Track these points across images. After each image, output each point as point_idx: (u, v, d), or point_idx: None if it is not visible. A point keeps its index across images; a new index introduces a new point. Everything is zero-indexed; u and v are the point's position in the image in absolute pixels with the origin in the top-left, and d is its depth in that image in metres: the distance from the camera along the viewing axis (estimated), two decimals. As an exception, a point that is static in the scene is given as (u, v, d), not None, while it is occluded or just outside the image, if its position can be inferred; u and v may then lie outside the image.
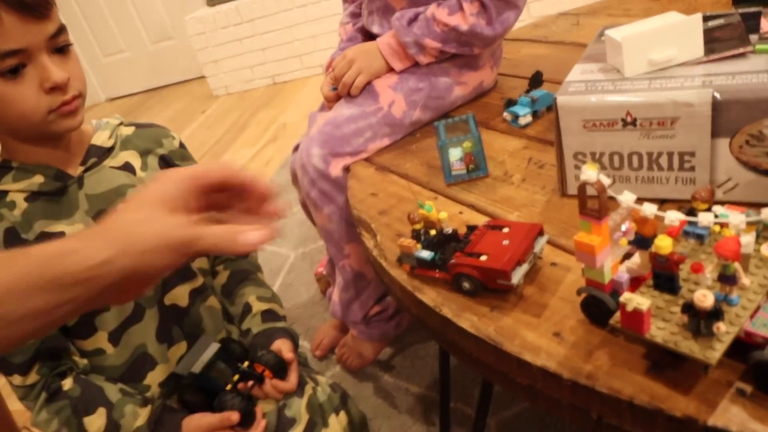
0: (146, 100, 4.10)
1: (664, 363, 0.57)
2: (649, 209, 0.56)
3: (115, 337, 1.01)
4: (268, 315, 1.15)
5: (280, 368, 1.05)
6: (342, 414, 1.11)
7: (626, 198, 0.57)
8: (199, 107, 3.62)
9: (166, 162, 1.07)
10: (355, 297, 1.31)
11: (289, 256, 1.95)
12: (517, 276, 0.68)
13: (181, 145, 1.12)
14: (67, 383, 0.98)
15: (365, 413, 1.25)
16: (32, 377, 0.95)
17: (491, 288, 0.70)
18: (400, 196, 0.99)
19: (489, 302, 0.70)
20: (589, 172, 0.55)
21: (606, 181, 0.56)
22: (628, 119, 0.74)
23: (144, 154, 1.06)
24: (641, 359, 0.59)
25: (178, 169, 0.55)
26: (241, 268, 1.21)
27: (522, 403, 1.23)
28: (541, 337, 0.64)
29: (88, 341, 1.01)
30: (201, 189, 0.52)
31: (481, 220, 0.86)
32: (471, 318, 0.69)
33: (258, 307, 1.16)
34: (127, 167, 1.02)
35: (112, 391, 1.00)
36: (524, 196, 0.89)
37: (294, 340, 1.14)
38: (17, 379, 0.95)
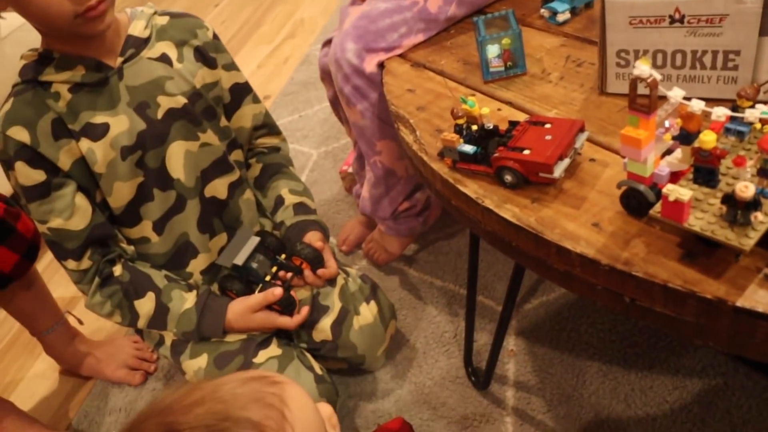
0: (156, -7, 3.97)
1: (698, 251, 0.62)
2: (698, 105, 0.58)
3: (159, 226, 1.07)
4: (300, 208, 1.19)
5: (317, 260, 1.10)
6: (372, 303, 1.18)
7: (675, 94, 0.59)
8: (211, 0, 3.51)
9: (201, 54, 1.07)
10: (385, 193, 1.35)
11: (311, 155, 1.97)
12: (558, 169, 0.71)
13: (215, 36, 1.11)
14: (117, 269, 1.04)
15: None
16: (85, 263, 1.02)
17: (533, 181, 0.73)
18: (437, 93, 1.00)
19: (530, 195, 0.74)
20: (643, 68, 0.56)
21: (658, 76, 0.57)
22: (676, 16, 0.74)
23: (180, 45, 1.06)
24: (676, 248, 0.63)
25: None
26: (274, 162, 1.24)
27: (540, 297, 1.30)
28: (581, 227, 0.68)
29: (134, 230, 1.06)
30: None
31: (519, 116, 0.88)
32: (512, 209, 0.73)
33: (290, 200, 1.19)
34: (164, 58, 1.03)
35: (159, 277, 1.06)
36: (562, 94, 0.90)
37: (325, 232, 1.19)
38: (71, 264, 1.01)
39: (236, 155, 1.16)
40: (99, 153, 0.97)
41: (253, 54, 2.76)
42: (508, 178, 0.74)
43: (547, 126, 0.76)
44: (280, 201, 1.20)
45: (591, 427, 1.08)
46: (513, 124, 0.80)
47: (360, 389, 1.24)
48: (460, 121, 0.80)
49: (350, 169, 1.65)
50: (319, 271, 1.11)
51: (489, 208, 0.74)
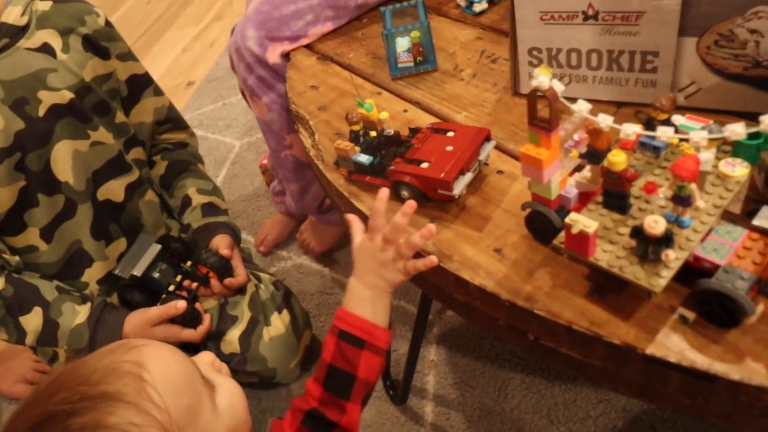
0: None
1: (607, 286, 0.54)
2: (604, 120, 0.50)
3: (47, 234, 0.96)
4: (209, 209, 1.10)
5: (224, 269, 1.02)
6: (285, 312, 1.10)
7: (581, 107, 0.51)
8: (136, -23, 3.29)
9: (90, 43, 0.95)
10: (306, 188, 1.26)
11: (234, 146, 1.85)
12: (459, 187, 0.62)
13: (107, 24, 0.99)
14: (0, 282, 0.92)
15: (309, 310, 1.24)
16: None
17: (431, 198, 0.65)
18: (341, 90, 0.90)
19: (429, 213, 0.66)
20: (541, 78, 0.48)
21: (559, 87, 0.49)
22: (590, 12, 0.66)
23: (64, 33, 0.93)
24: (583, 281, 0.56)
25: None
26: (180, 159, 1.13)
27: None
28: (481, 252, 0.60)
29: (18, 238, 0.95)
30: None
31: (426, 119, 0.80)
32: (409, 230, 0.64)
33: (198, 200, 1.10)
34: (46, 49, 0.91)
35: (48, 289, 0.95)
36: (474, 94, 0.82)
37: (236, 235, 1.10)
38: None
39: (136, 153, 1.05)
40: None
41: (177, 37, 2.59)
42: (405, 194, 0.66)
43: (450, 134, 0.67)
44: (187, 201, 1.11)
45: (512, 445, 1.02)
46: (414, 131, 0.71)
47: (272, 404, 1.16)
48: (356, 127, 0.71)
49: (269, 164, 1.55)
50: (227, 281, 1.04)
51: (384, 229, 0.66)
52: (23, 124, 0.88)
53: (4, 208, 0.91)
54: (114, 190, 1.00)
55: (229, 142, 1.87)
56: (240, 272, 1.06)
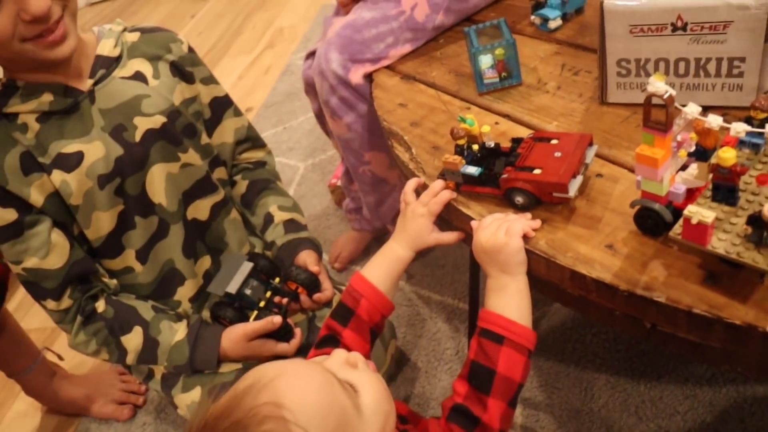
0: (130, 4, 3.89)
1: (721, 273, 0.59)
2: (715, 120, 0.55)
3: (142, 255, 1.01)
4: (291, 225, 1.14)
5: (313, 285, 1.06)
6: None
7: (692, 110, 0.56)
8: (188, 11, 3.45)
9: (177, 69, 1.02)
10: (381, 200, 1.31)
11: (298, 168, 1.93)
12: (573, 188, 0.68)
13: (190, 50, 1.06)
14: (100, 305, 0.98)
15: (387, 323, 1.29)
16: (65, 302, 0.96)
17: (544, 201, 0.70)
18: (430, 107, 0.97)
19: (539, 215, 0.71)
20: (658, 84, 0.53)
21: (673, 92, 0.54)
22: (679, 23, 0.72)
23: (154, 60, 1.00)
24: (697, 269, 0.60)
25: None
26: (260, 177, 1.18)
27: (542, 308, 1.27)
28: (594, 249, 0.65)
29: (116, 261, 1.00)
30: None
31: (519, 130, 0.85)
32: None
33: (280, 216, 1.14)
34: (139, 76, 0.97)
35: (145, 309, 1.01)
36: (561, 105, 0.87)
37: (318, 250, 1.14)
38: (51, 304, 0.95)
39: (219, 173, 1.11)
40: (74, 184, 0.91)
41: (232, 65, 2.71)
42: (519, 199, 0.71)
43: (554, 142, 0.73)
44: (269, 219, 1.15)
45: (603, 443, 1.05)
46: (516, 141, 0.77)
47: (362, 412, 1.21)
48: (461, 142, 0.77)
49: (339, 183, 1.62)
50: (316, 296, 1.07)
51: (495, 232, 0.71)
52: (122, 150, 0.93)
53: (105, 232, 0.96)
54: (201, 209, 1.05)
55: (293, 165, 1.95)
56: (327, 287, 1.09)
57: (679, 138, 0.62)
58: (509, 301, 0.65)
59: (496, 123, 0.88)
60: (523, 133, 0.85)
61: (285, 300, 1.05)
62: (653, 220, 0.63)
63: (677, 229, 0.57)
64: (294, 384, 0.54)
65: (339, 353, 0.63)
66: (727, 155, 0.54)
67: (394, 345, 1.19)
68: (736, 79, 0.73)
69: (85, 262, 0.97)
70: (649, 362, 1.13)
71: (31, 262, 0.91)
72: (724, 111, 0.76)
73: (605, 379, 1.13)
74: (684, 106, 0.56)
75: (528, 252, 0.67)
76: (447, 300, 1.37)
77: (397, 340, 1.25)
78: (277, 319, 1.00)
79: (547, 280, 0.68)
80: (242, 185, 1.17)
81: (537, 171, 0.70)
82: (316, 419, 0.51)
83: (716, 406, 1.05)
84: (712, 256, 0.58)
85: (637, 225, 0.65)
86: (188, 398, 1.03)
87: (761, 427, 1.01)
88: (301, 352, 1.10)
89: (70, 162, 0.91)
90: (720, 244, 0.55)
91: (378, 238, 1.57)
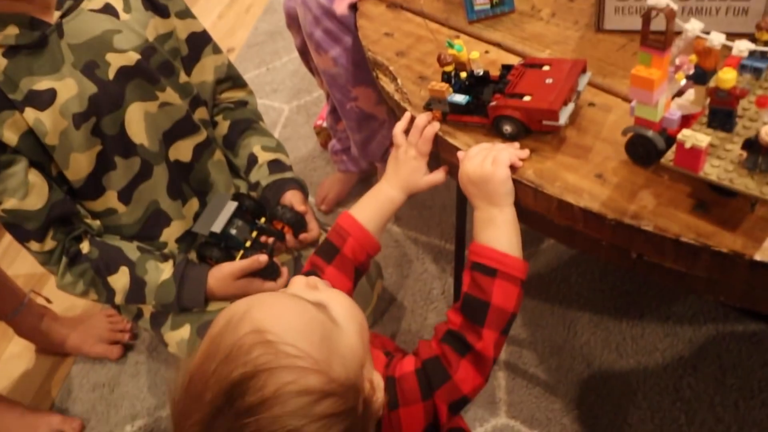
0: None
1: (711, 201, 0.57)
2: (717, 38, 0.53)
3: (125, 196, 0.98)
4: (275, 165, 1.12)
5: (299, 224, 1.04)
6: None
7: (693, 26, 0.53)
8: (167, -54, 3.30)
9: (149, 2, 0.97)
10: (370, 137, 1.28)
11: (283, 110, 1.88)
12: (564, 116, 0.65)
13: None
14: (85, 246, 0.96)
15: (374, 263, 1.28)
16: (49, 243, 0.93)
17: (534, 130, 0.68)
18: (417, 36, 0.93)
19: (528, 145, 0.68)
20: (659, -2, 0.50)
21: (674, 6, 0.51)
22: (683, -58, 0.68)
23: None
24: (687, 198, 0.59)
25: None
26: (242, 117, 1.14)
27: (529, 248, 1.26)
28: (583, 179, 0.63)
29: (98, 202, 0.98)
30: None
31: (510, 59, 0.82)
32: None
33: (264, 157, 1.11)
34: (109, 9, 0.92)
35: (130, 249, 0.99)
36: (555, 33, 0.84)
37: (304, 190, 1.12)
38: (34, 246, 0.93)
39: (200, 113, 1.07)
40: (48, 123, 0.87)
41: (211, 3, 2.60)
42: (508, 128, 0.68)
43: (546, 68, 0.70)
44: (253, 159, 1.12)
45: (583, 378, 1.06)
46: (506, 68, 0.73)
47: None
48: (448, 69, 0.74)
49: (325, 124, 1.58)
50: (302, 236, 1.05)
51: (482, 161, 0.69)
52: (96, 88, 0.89)
53: (84, 173, 0.93)
54: (183, 150, 1.02)
55: (278, 107, 1.90)
56: (313, 227, 1.07)
57: (677, 61, 0.60)
58: (499, 233, 0.64)
59: (486, 52, 0.85)
60: (514, 61, 0.81)
61: (271, 239, 1.04)
62: (645, 148, 0.61)
63: (669, 155, 0.55)
64: (268, 310, 0.54)
65: (298, 279, 0.63)
66: (728, 76, 0.52)
67: (381, 285, 1.18)
68: (741, 2, 0.70)
69: (66, 203, 0.94)
70: (632, 302, 1.14)
71: (9, 204, 0.88)
72: (729, 37, 0.73)
73: (588, 317, 1.14)
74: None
75: (515, 182, 0.65)
76: (434, 241, 1.36)
77: (384, 280, 1.25)
78: (263, 258, 0.99)
79: (534, 210, 0.67)
80: (224, 126, 1.14)
81: (527, 98, 0.67)
82: (300, 335, 0.51)
83: (695, 344, 1.06)
84: (702, 184, 0.56)
85: (628, 153, 0.63)
86: (177, 335, 1.02)
87: (736, 362, 1.02)
88: (287, 290, 1.10)
89: (43, 99, 0.87)
90: (713, 170, 0.54)
91: (364, 179, 1.55)
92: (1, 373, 1.36)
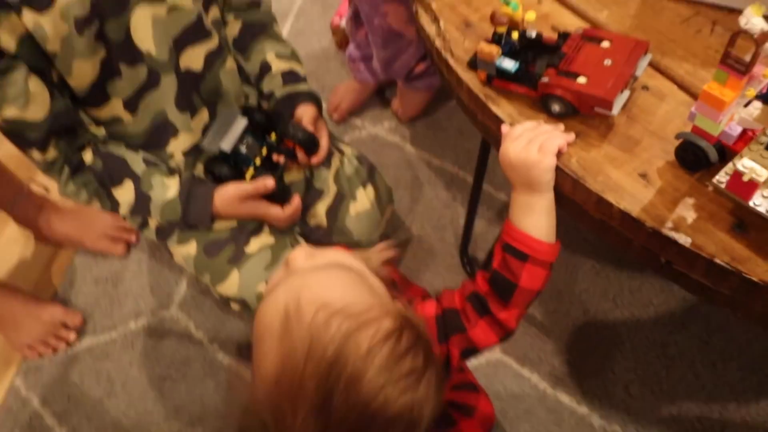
0: None
1: (749, 223, 0.57)
2: (800, 68, 0.50)
3: (131, 105, 0.95)
4: (289, 76, 1.07)
5: (311, 144, 1.01)
6: (369, 187, 1.12)
7: (779, 52, 0.50)
8: None
9: None
10: (395, 56, 1.23)
11: (297, -3, 1.77)
12: (618, 105, 0.63)
13: None
14: (88, 156, 0.94)
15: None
16: (51, 153, 0.91)
17: (583, 113, 0.65)
18: (465, -30, 0.86)
19: (574, 126, 0.66)
20: (754, 20, 0.47)
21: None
22: None
23: None
24: (727, 215, 0.58)
25: None
26: (255, 19, 1.08)
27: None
28: (627, 176, 0.62)
29: (102, 110, 0.94)
30: None
31: (564, 16, 0.77)
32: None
33: (278, 66, 1.06)
34: None
35: (136, 161, 0.96)
36: (616, -9, 0.78)
37: (318, 104, 1.08)
38: (36, 155, 0.90)
39: (214, 13, 1.00)
40: (48, 27, 0.81)
41: None
42: (556, 107, 0.66)
43: (605, 45, 0.66)
44: (266, 67, 1.07)
45: (578, 324, 1.11)
46: (563, 37, 0.69)
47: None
48: (501, 29, 0.69)
49: (343, 23, 1.49)
50: (313, 159, 1.03)
51: (524, 138, 0.67)
52: None
53: (87, 80, 0.89)
54: (194, 58, 0.97)
55: (291, -8, 1.79)
56: (324, 144, 1.05)
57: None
58: (536, 219, 0.64)
59: (539, 1, 0.79)
60: (569, 19, 0.77)
61: (282, 158, 1.02)
62: (696, 157, 0.59)
63: (722, 177, 0.54)
64: (315, 286, 0.55)
65: (298, 255, 0.62)
66: (800, 107, 0.50)
67: (390, 209, 1.19)
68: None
69: (69, 113, 0.90)
70: (635, 254, 1.17)
71: (10, 112, 0.84)
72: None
73: (591, 264, 1.17)
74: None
75: (558, 169, 0.64)
76: (447, 166, 1.35)
77: (393, 205, 1.25)
78: (270, 183, 0.97)
79: (570, 198, 0.66)
80: (235, 26, 1.07)
81: (581, 79, 0.64)
82: (353, 292, 0.54)
83: (688, 301, 1.11)
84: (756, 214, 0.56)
85: (676, 156, 0.61)
86: (184, 250, 1.03)
87: (723, 325, 1.08)
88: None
89: (41, 0, 0.80)
90: (763, 201, 0.53)
91: (380, 90, 1.50)
92: (0, 258, 1.37)
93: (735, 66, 0.50)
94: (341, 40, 1.59)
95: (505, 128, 0.66)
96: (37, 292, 1.31)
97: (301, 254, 0.61)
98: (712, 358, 1.05)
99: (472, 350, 0.67)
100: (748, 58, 0.49)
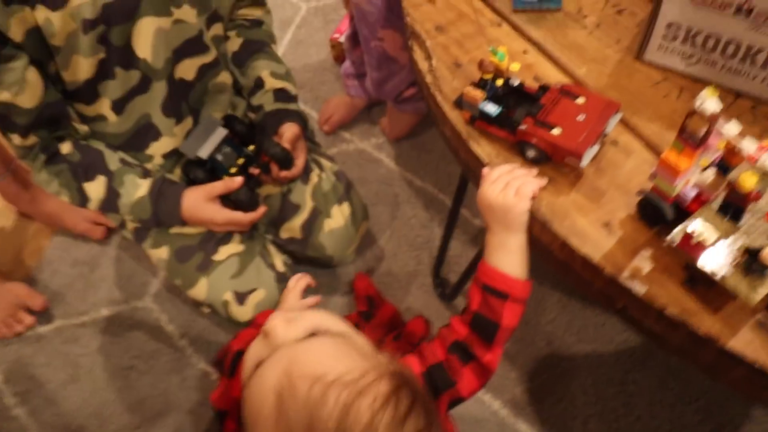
0: None
1: (701, 278, 0.62)
2: (749, 146, 0.55)
3: (118, 106, 0.98)
4: (281, 94, 1.11)
5: (285, 160, 1.04)
6: (345, 204, 1.15)
7: (730, 131, 0.55)
8: None
9: None
10: (388, 78, 1.28)
11: (300, 8, 1.81)
12: (587, 158, 0.67)
13: None
14: (66, 147, 0.96)
15: (367, 198, 1.31)
16: (31, 139, 0.93)
17: (555, 162, 0.70)
18: (459, 12, 0.90)
19: (546, 172, 0.71)
20: (709, 102, 0.52)
21: (718, 110, 0.53)
22: (745, 7, 0.67)
23: None
24: (680, 270, 0.63)
25: None
26: (256, 38, 1.13)
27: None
28: (591, 224, 0.67)
29: (90, 107, 0.97)
30: None
31: (546, 68, 0.82)
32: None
33: (271, 83, 1.11)
34: None
35: (112, 159, 0.99)
36: (596, 48, 0.83)
37: (304, 124, 1.12)
38: (16, 139, 0.93)
39: (216, 29, 1.04)
40: (57, 24, 0.85)
41: None
42: (531, 153, 0.71)
43: (580, 101, 0.71)
44: (259, 83, 1.11)
45: (542, 354, 1.16)
46: (543, 89, 0.74)
47: (327, 281, 1.27)
48: (488, 76, 0.74)
49: (342, 39, 1.54)
50: (282, 173, 1.06)
51: (500, 179, 0.71)
52: None
53: (83, 77, 0.92)
54: (188, 68, 1.01)
55: (295, 3, 1.83)
56: (299, 164, 1.08)
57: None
58: (511, 258, 0.67)
59: (525, 52, 0.84)
60: (551, 72, 0.82)
61: (257, 171, 1.04)
62: (654, 213, 0.64)
63: (676, 236, 0.59)
64: (304, 359, 0.54)
65: (276, 321, 0.60)
66: (748, 182, 0.55)
67: (365, 226, 1.22)
68: (779, 71, 0.71)
69: (58, 106, 0.94)
70: (600, 289, 1.22)
71: (2, 96, 0.87)
72: (755, 102, 0.75)
73: (558, 297, 1.22)
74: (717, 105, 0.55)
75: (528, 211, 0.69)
76: (428, 187, 1.40)
77: (369, 221, 1.29)
78: (238, 179, 1.00)
79: (538, 238, 0.70)
80: (236, 42, 1.12)
81: (556, 131, 0.69)
82: (344, 359, 0.53)
83: (648, 344, 1.16)
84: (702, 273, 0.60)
85: (638, 210, 0.66)
86: (157, 254, 1.07)
87: (682, 368, 1.13)
88: (271, 224, 1.13)
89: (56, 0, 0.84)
90: (710, 261, 0.58)
91: (371, 106, 1.55)
92: (-20, 231, 1.38)
93: (690, 140, 0.55)
94: (339, 54, 1.63)
95: (485, 171, 0.70)
96: (13, 268, 1.31)
97: (280, 323, 0.59)
98: (671, 399, 1.10)
99: (457, 401, 0.68)
100: (702, 132, 0.54)
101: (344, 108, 1.51)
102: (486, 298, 0.67)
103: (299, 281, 0.88)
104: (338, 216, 1.13)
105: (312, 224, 1.11)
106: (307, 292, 0.89)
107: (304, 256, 1.17)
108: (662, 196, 0.62)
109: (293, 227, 1.12)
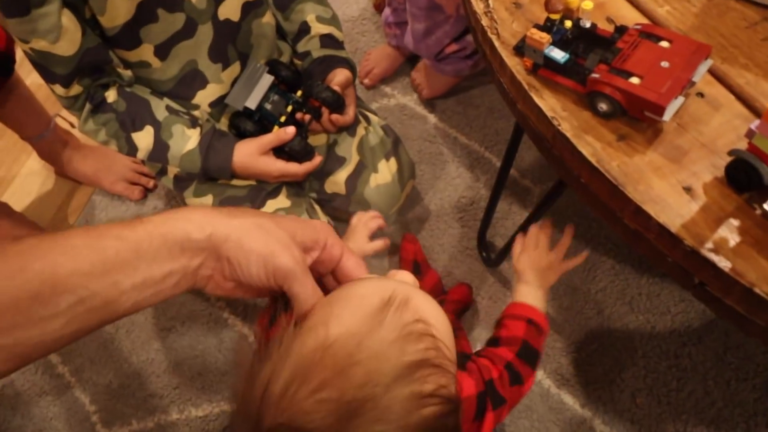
0: None
1: (799, 253, 0.54)
2: None
3: (162, 51, 0.93)
4: (328, 40, 1.05)
5: (336, 104, 0.99)
6: (392, 160, 1.10)
7: None
8: None
9: None
10: (430, 30, 1.19)
11: (340, -50, 1.70)
12: (670, 112, 0.59)
13: None
14: (111, 95, 0.92)
15: (411, 156, 1.24)
16: (75, 88, 0.89)
17: (631, 115, 0.61)
18: (521, -55, 0.80)
19: (618, 128, 0.62)
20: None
21: None
22: None
23: None
24: (774, 242, 0.55)
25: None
26: None
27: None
28: (670, 189, 0.59)
29: (132, 53, 0.92)
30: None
31: (622, 6, 0.72)
32: (594, 144, 0.62)
33: (317, 29, 1.05)
34: None
35: (159, 108, 0.95)
36: (680, -15, 0.73)
37: (353, 71, 1.06)
38: (59, 90, 0.89)
39: None
40: None
41: None
42: (603, 107, 0.62)
43: (665, 44, 0.62)
44: (305, 28, 1.05)
45: (590, 324, 1.09)
46: (620, 30, 0.65)
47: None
48: (555, 16, 0.65)
49: (385, -14, 1.44)
50: (333, 117, 1.01)
51: (564, 134, 0.63)
52: None
53: (121, 20, 0.87)
54: (231, 7, 0.95)
55: (334, -56, 1.72)
56: (350, 111, 1.03)
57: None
58: (541, 302, 0.77)
59: (596, -10, 0.74)
60: (626, 11, 0.72)
61: (307, 117, 0.99)
62: (748, 176, 0.55)
63: (776, 203, 0.51)
64: (426, 303, 0.49)
65: (403, 273, 0.54)
66: None
67: (411, 184, 1.17)
68: None
69: (99, 51, 0.88)
70: (658, 259, 1.13)
71: (39, 45, 0.82)
72: None
73: (611, 264, 1.14)
74: None
75: (597, 172, 0.61)
76: (473, 145, 1.32)
77: (415, 180, 1.22)
78: (291, 129, 0.95)
79: (605, 203, 0.63)
80: None
81: (635, 79, 0.60)
82: (448, 337, 0.48)
83: (707, 316, 1.08)
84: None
85: (726, 173, 0.58)
86: (199, 203, 1.02)
87: (741, 343, 1.05)
88: (315, 177, 1.08)
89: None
90: (818, 233, 0.49)
91: (413, 57, 1.46)
92: (20, 189, 1.38)
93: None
94: (379, 2, 1.54)
95: (519, 244, 0.83)
96: (53, 226, 1.31)
97: (411, 277, 0.54)
98: (727, 375, 1.02)
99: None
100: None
101: (386, 60, 1.42)
102: (529, 330, 0.73)
103: (369, 222, 0.83)
104: (385, 172, 1.08)
105: (357, 178, 1.07)
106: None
107: (346, 212, 1.11)
108: (761, 156, 0.53)
109: (338, 180, 1.07)
